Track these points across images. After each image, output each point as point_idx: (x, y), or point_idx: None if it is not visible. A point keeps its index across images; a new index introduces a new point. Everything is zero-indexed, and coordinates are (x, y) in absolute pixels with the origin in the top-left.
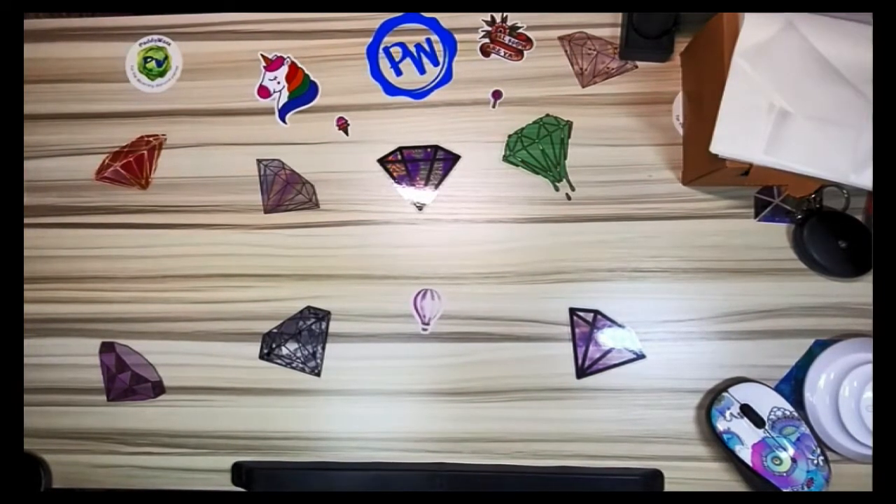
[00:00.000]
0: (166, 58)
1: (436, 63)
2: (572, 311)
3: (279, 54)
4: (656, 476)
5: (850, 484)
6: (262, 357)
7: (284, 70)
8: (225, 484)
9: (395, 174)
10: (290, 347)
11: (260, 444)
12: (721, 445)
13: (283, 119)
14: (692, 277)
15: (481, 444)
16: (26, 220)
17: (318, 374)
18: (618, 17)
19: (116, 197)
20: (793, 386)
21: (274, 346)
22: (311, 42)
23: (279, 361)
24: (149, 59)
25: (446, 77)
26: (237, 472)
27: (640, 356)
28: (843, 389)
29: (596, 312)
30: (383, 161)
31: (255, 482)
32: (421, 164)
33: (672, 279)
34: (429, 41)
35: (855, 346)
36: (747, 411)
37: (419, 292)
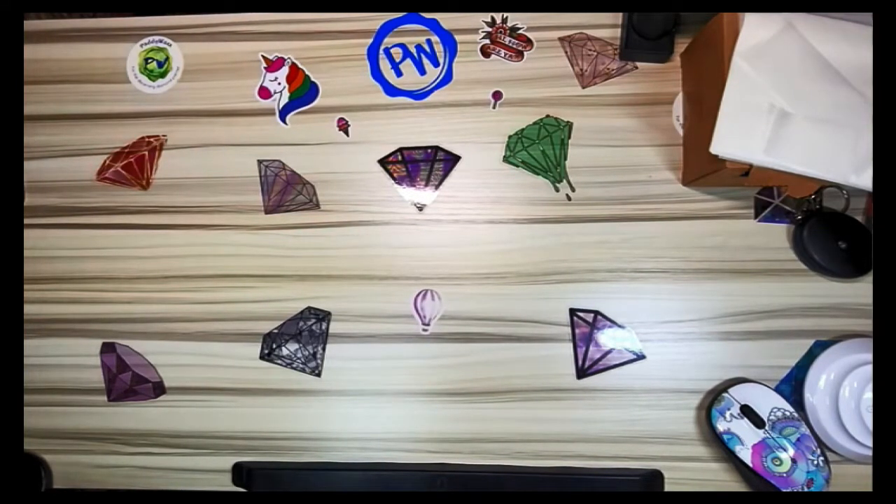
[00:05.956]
0: (167, 59)
1: (436, 64)
2: (572, 312)
3: (280, 55)
4: (656, 476)
5: (851, 484)
6: (262, 357)
7: (285, 71)
8: (226, 484)
9: (395, 175)
10: (291, 348)
11: (261, 445)
12: (721, 446)
13: (283, 120)
14: (692, 278)
15: (482, 444)
16: (27, 221)
17: (319, 375)
18: (618, 18)
19: (117, 198)
20: (793, 386)
21: (274, 346)
22: (311, 43)
23: (280, 362)
24: (150, 60)
25: (447, 78)
26: (238, 472)
27: (641, 357)
28: (843, 390)
29: (596, 313)
30: (384, 162)
31: (255, 482)
32: (421, 164)
33: (672, 280)
34: (429, 42)
35: (855, 346)
36: (747, 412)
37: (419, 293)
